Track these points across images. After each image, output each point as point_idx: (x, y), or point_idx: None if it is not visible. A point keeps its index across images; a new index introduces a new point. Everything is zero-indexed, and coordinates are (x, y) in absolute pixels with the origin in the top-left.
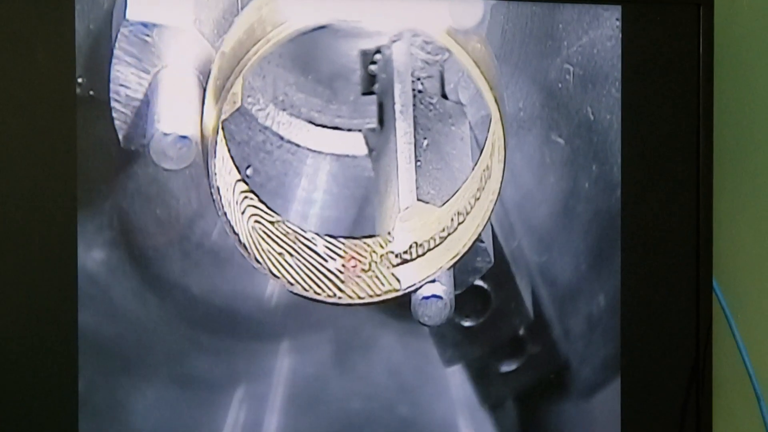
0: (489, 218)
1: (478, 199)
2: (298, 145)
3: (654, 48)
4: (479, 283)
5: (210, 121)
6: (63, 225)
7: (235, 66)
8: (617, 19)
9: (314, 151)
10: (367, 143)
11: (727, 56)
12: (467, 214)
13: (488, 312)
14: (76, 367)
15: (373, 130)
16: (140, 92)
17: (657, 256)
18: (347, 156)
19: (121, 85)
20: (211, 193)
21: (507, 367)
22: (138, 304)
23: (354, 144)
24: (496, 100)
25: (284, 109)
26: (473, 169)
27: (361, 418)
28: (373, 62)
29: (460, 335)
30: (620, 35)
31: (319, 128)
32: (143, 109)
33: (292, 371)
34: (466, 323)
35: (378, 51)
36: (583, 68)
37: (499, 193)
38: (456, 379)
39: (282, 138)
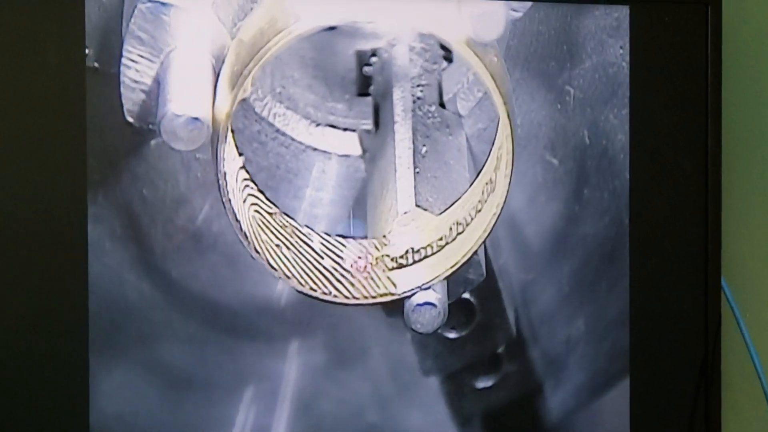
0: (490, 231)
1: (480, 211)
2: (292, 139)
3: (662, 47)
4: (466, 295)
5: (223, 107)
6: (72, 205)
7: (255, 54)
8: (621, 47)
9: (308, 146)
10: (361, 144)
11: (735, 56)
12: (467, 225)
13: (472, 325)
14: (87, 358)
15: (368, 131)
16: (152, 70)
17: (666, 256)
18: (340, 155)
19: (133, 61)
20: (218, 178)
21: (484, 383)
22: (138, 289)
23: (348, 143)
24: (508, 115)
25: (281, 102)
26: (473, 181)
27: (334, 421)
28: (368, 64)
29: (441, 346)
30: (624, 62)
31: (314, 124)
32: (154, 88)
33: (280, 365)
34: (451, 335)
35: (374, 53)
36: (583, 92)
37: (502, 207)
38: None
39: (277, 130)
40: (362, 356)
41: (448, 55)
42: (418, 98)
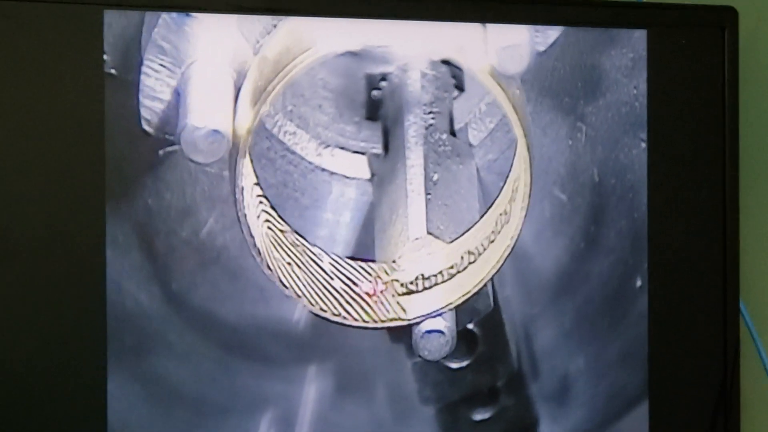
0: (504, 263)
1: (493, 242)
2: (302, 158)
3: (679, 70)
4: (470, 326)
5: (245, 122)
6: (90, 216)
7: (280, 71)
8: (635, 87)
9: (316, 166)
10: (370, 167)
11: (752, 78)
12: (479, 255)
13: (474, 356)
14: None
15: (377, 155)
16: (173, 81)
17: (684, 278)
18: (348, 177)
19: (154, 70)
20: (235, 192)
21: (481, 415)
22: (143, 301)
23: (357, 166)
24: (528, 148)
25: (292, 120)
26: (486, 211)
27: None
28: (377, 88)
29: (443, 375)
30: (637, 102)
31: (323, 145)
32: (173, 98)
33: (286, 385)
34: (453, 364)
35: (383, 78)
36: (595, 129)
37: (517, 239)
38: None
39: (287, 148)
40: (367, 381)
41: (459, 84)
42: (430, 125)
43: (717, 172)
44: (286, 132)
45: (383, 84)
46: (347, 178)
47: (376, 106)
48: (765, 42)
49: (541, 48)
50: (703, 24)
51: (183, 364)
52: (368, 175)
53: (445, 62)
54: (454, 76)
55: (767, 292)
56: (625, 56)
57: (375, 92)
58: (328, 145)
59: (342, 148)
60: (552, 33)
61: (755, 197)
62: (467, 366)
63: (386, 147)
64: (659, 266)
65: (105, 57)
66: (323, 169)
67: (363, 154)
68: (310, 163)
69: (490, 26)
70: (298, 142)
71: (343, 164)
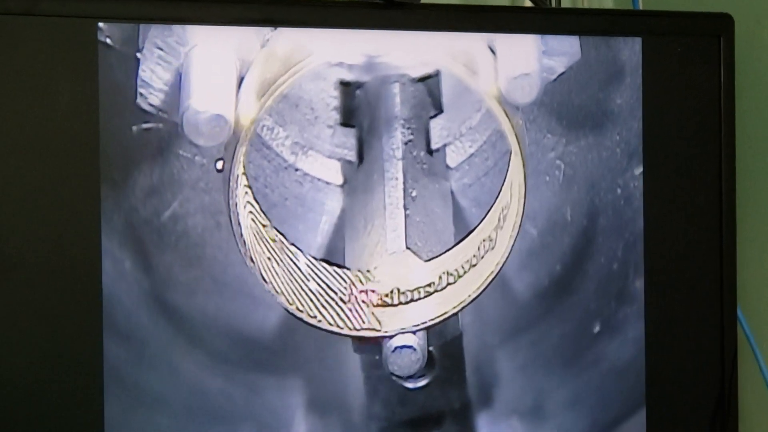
0: (486, 287)
1: (475, 266)
2: (276, 154)
3: (674, 78)
4: (430, 348)
5: (249, 112)
6: (84, 200)
7: (292, 66)
8: (617, 134)
9: (290, 165)
10: (343, 174)
11: (748, 87)
12: (459, 277)
13: (430, 378)
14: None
15: (350, 162)
16: (177, 60)
17: (681, 286)
18: (321, 180)
19: (158, 48)
20: (230, 179)
21: None
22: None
23: (329, 171)
24: (525, 178)
25: (270, 115)
26: (467, 234)
27: None
28: (353, 96)
29: (394, 393)
30: (617, 149)
31: (298, 145)
32: (175, 79)
33: (249, 385)
34: (409, 384)
35: (359, 86)
36: (573, 169)
37: (502, 266)
38: None
39: (263, 143)
40: (329, 389)
41: (436, 103)
42: (409, 140)
43: (714, 181)
44: (264, 126)
45: (358, 93)
46: (320, 181)
47: (352, 114)
48: (761, 49)
49: (549, 80)
50: (698, 32)
51: (165, 359)
52: (341, 181)
53: (423, 80)
54: (430, 94)
55: (765, 300)
56: (613, 102)
57: (350, 100)
58: (304, 146)
59: (317, 150)
60: (559, 67)
61: (753, 206)
62: (422, 387)
63: (361, 156)
64: (656, 276)
65: (100, 25)
66: (297, 169)
67: (337, 159)
68: (285, 160)
69: (500, 53)
70: (275, 138)
71: (317, 167)
